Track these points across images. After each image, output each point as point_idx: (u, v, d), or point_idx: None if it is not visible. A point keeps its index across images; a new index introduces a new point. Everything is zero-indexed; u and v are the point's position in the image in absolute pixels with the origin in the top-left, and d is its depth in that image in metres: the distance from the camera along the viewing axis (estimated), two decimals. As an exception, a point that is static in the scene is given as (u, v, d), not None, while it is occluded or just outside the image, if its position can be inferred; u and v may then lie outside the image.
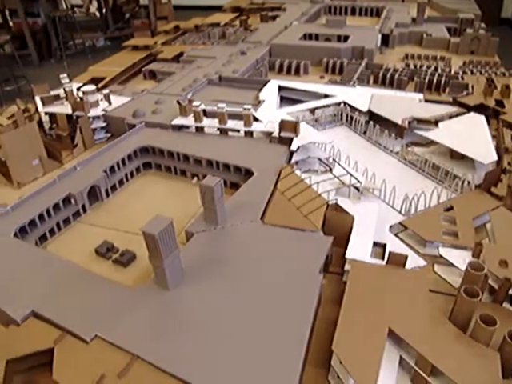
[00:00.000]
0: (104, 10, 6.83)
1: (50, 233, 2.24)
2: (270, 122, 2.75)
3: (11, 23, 6.59)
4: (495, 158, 2.34)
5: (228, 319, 1.56)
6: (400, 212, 2.20)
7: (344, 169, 2.33)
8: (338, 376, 1.46)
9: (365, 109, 2.94)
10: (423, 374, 1.42)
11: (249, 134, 2.78)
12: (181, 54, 4.23)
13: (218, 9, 6.34)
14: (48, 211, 2.24)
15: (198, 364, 1.42)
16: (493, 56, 4.07)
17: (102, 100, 3.21)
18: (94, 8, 7.67)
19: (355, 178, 2.26)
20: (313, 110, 3.04)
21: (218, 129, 2.84)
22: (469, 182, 2.31)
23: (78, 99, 3.15)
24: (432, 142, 2.71)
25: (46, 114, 3.20)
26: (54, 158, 2.84)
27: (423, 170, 2.53)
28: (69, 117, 3.08)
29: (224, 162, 2.50)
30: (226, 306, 1.62)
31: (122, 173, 2.61)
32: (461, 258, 1.87)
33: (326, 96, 3.22)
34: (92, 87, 3.14)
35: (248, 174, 2.43)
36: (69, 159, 2.94)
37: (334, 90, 3.23)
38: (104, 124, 3.08)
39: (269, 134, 2.69)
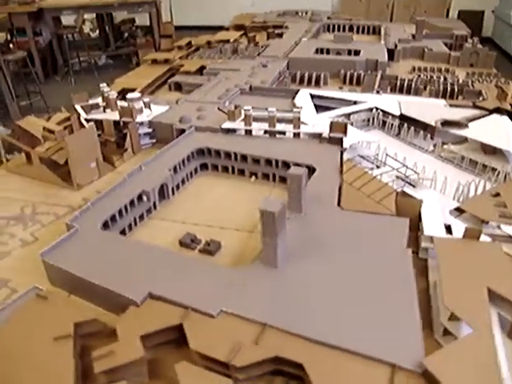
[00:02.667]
0: (103, 30, 6.98)
1: (128, 228, 2.33)
2: (316, 125, 2.95)
3: (11, 44, 6.58)
4: (529, 150, 2.62)
5: (341, 290, 1.72)
6: (454, 199, 2.42)
7: (400, 162, 2.55)
8: (447, 332, 1.64)
9: (397, 113, 3.19)
10: (523, 326, 1.61)
11: (296, 135, 2.96)
12: (201, 67, 4.41)
13: (217, 29, 6.56)
14: (126, 207, 2.34)
15: (325, 326, 1.57)
16: (491, 68, 4.45)
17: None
18: (87, 29, 7.78)
19: (412, 170, 2.48)
20: (348, 115, 3.26)
21: (266, 131, 3.01)
22: (508, 173, 2.56)
23: (119, 107, 3.25)
24: (463, 140, 2.97)
25: (87, 121, 3.28)
26: (108, 161, 2.94)
27: (460, 165, 2.78)
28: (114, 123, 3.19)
29: (283, 159, 2.67)
30: (334, 280, 1.77)
31: (184, 173, 2.73)
32: (521, 234, 2.10)
33: (355, 103, 3.46)
34: (137, 94, 3.27)
35: (308, 170, 2.60)
36: (119, 163, 3.03)
37: (363, 98, 3.48)
38: (150, 130, 3.20)
39: (319, 135, 2.88)
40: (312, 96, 3.57)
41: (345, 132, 2.80)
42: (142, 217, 2.43)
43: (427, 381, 1.39)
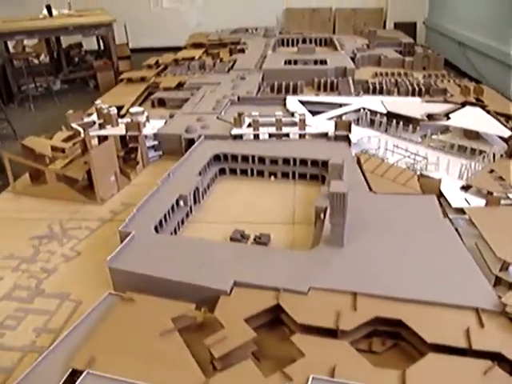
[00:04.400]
0: (52, 55, 6.79)
1: (174, 232, 2.39)
2: (319, 126, 3.19)
3: None
4: (510, 132, 3.03)
5: (406, 257, 1.93)
6: (458, 178, 2.74)
7: (408, 151, 2.84)
8: (497, 282, 1.89)
9: (384, 111, 3.51)
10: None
11: (302, 136, 3.17)
12: (179, 83, 4.51)
13: (171, 49, 6.65)
14: (169, 212, 2.40)
15: (408, 286, 1.76)
16: (441, 69, 4.98)
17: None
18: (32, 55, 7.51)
19: (420, 156, 2.77)
20: (340, 117, 3.53)
21: (271, 135, 3.19)
22: (494, 154, 2.94)
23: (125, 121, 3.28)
24: (445, 130, 3.34)
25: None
26: (124, 174, 2.95)
27: (451, 151, 3.12)
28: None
29: (300, 157, 2.86)
30: (397, 250, 1.98)
31: (207, 178, 2.83)
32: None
33: (340, 106, 3.75)
34: (140, 109, 3.32)
35: (324, 165, 2.82)
36: (133, 176, 3.05)
37: (348, 100, 3.78)
38: (156, 142, 3.26)
39: (325, 135, 3.11)
40: (301, 102, 3.81)
41: (349, 129, 3.05)
42: (182, 221, 2.49)
43: (507, 317, 1.63)
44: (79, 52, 7.30)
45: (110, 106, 3.37)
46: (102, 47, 7.07)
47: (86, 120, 3.45)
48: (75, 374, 1.53)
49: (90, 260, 2.31)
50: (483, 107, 3.55)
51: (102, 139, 3.23)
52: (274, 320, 1.81)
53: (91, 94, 6.00)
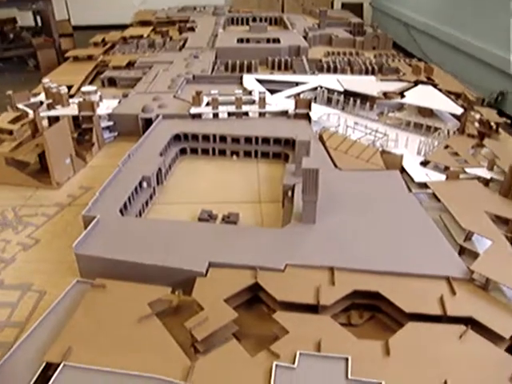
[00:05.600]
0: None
1: (139, 215, 2.31)
2: (278, 104, 3.17)
3: None
4: (462, 109, 3.15)
5: (378, 231, 1.97)
6: (417, 154, 2.82)
7: (368, 128, 2.88)
8: (461, 252, 1.98)
9: (341, 89, 3.54)
10: (518, 236, 2.02)
11: (262, 115, 3.14)
12: (129, 62, 4.32)
13: (115, 27, 6.34)
14: (133, 194, 2.31)
15: (382, 259, 1.80)
16: (390, 49, 5.09)
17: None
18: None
19: (381, 133, 2.83)
20: (298, 95, 3.52)
21: (230, 114, 3.13)
22: (448, 131, 3.05)
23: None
24: (401, 108, 3.43)
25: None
26: (80, 156, 2.80)
27: (407, 129, 3.21)
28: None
29: (263, 136, 2.83)
30: (368, 225, 2.01)
31: (168, 159, 2.74)
32: (480, 172, 2.55)
33: (296, 84, 3.74)
34: (93, 87, 3.14)
35: (287, 143, 2.81)
36: (89, 158, 2.91)
37: (304, 79, 3.78)
38: (111, 123, 3.11)
39: (285, 113, 3.10)
40: (258, 81, 3.77)
41: (309, 107, 3.06)
42: (146, 203, 2.41)
43: (475, 284, 1.71)
44: (13, 28, 6.80)
45: (60, 85, 3.16)
46: (39, 23, 6.61)
47: (32, 100, 3.23)
48: (49, 368, 1.44)
49: (51, 247, 2.18)
50: (434, 86, 3.67)
51: (53, 120, 3.05)
52: (251, 299, 1.80)
53: (31, 74, 5.65)
